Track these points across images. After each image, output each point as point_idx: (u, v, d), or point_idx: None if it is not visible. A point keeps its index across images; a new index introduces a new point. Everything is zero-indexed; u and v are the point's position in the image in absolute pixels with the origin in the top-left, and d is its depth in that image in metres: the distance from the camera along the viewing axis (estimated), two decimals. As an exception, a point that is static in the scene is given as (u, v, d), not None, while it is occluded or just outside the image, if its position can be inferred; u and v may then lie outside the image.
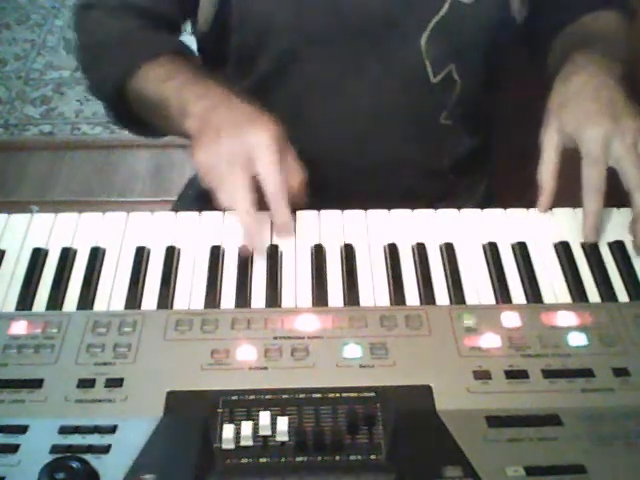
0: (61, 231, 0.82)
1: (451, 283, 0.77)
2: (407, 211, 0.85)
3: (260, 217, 0.78)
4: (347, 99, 0.96)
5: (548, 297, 0.76)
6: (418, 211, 0.85)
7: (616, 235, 0.82)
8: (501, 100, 1.08)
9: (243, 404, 0.64)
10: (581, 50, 0.89)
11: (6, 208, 0.92)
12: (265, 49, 0.94)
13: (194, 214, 0.84)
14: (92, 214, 0.84)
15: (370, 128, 0.98)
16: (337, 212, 0.85)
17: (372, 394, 0.65)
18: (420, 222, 0.84)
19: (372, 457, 0.61)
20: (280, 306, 0.74)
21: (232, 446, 0.61)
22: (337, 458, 0.60)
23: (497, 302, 0.75)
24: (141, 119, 0.95)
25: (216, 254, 0.79)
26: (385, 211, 0.85)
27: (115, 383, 0.65)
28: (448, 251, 0.80)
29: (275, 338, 0.69)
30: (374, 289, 0.76)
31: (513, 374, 0.66)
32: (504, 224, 0.84)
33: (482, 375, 0.66)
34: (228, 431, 0.61)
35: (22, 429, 0.61)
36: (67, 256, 0.79)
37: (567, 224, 0.83)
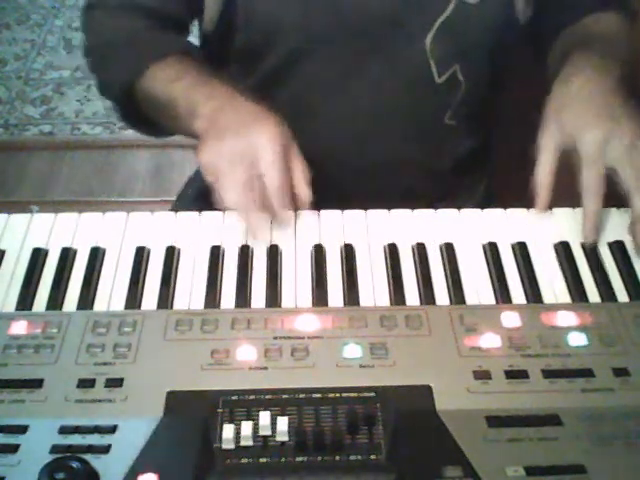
0: (61, 231, 0.82)
1: (451, 283, 0.77)
2: (407, 211, 0.85)
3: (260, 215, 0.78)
4: (349, 99, 0.96)
5: (548, 297, 0.76)
6: (418, 211, 0.85)
7: (616, 235, 0.82)
8: (501, 100, 1.08)
9: (243, 404, 0.64)
10: (580, 52, 0.90)
11: (6, 208, 0.92)
12: (270, 49, 0.94)
13: (194, 214, 0.84)
14: (92, 214, 0.84)
15: (371, 128, 0.98)
16: (337, 212, 0.85)
17: (372, 394, 0.65)
18: (420, 222, 0.84)
19: (372, 457, 0.61)
20: (280, 306, 0.74)
21: (232, 446, 0.61)
22: (337, 458, 0.60)
23: (497, 302, 0.75)
24: (149, 118, 0.95)
25: (216, 254, 0.79)
26: (385, 211, 0.85)
27: (115, 383, 0.65)
28: (448, 251, 0.80)
29: (275, 338, 0.69)
30: (374, 289, 0.76)
31: (513, 374, 0.66)
32: (504, 224, 0.84)
33: (482, 375, 0.66)
34: (228, 431, 0.61)
35: (22, 429, 0.61)
36: (67, 256, 0.79)
37: (567, 224, 0.83)
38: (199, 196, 1.08)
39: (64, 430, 0.61)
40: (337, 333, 0.70)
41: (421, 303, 0.75)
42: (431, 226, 0.83)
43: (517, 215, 0.85)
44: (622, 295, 0.76)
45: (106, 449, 0.60)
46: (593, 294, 0.76)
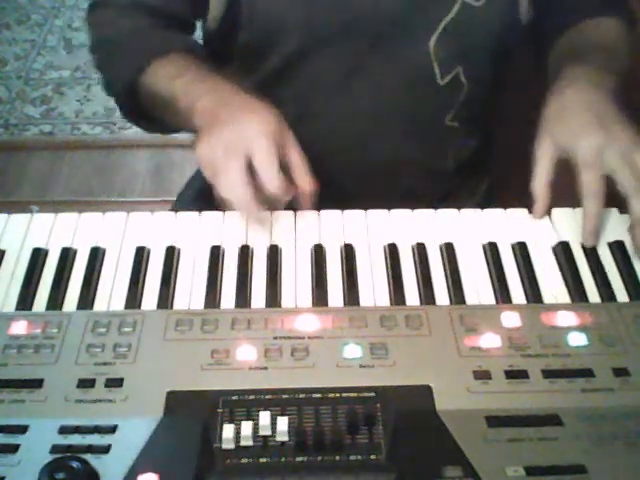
0: (61, 231, 0.82)
1: (451, 283, 0.77)
2: (407, 211, 0.85)
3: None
4: (351, 98, 0.96)
5: (548, 297, 0.76)
6: (418, 211, 0.85)
7: (616, 235, 0.82)
8: (502, 100, 1.08)
9: (243, 404, 0.64)
10: (577, 62, 0.90)
11: (6, 208, 0.92)
12: (273, 48, 0.94)
13: (194, 214, 0.84)
14: (92, 214, 0.84)
15: (372, 128, 0.98)
16: (337, 212, 0.85)
17: (372, 394, 0.65)
18: (420, 222, 0.84)
19: (372, 457, 0.61)
20: (280, 306, 0.74)
21: (232, 446, 0.61)
22: (337, 458, 0.60)
23: (497, 302, 0.75)
24: (151, 115, 0.96)
25: (216, 254, 0.79)
26: (385, 211, 0.85)
27: (115, 383, 0.65)
28: (448, 251, 0.80)
29: (275, 338, 0.69)
30: (374, 289, 0.76)
31: (513, 374, 0.66)
32: (504, 224, 0.84)
33: (482, 375, 0.66)
34: (228, 431, 0.61)
35: (22, 429, 0.61)
36: (67, 256, 0.79)
37: (567, 224, 0.83)
38: (199, 197, 1.08)
39: (64, 430, 0.61)
40: (337, 333, 0.70)
41: (421, 303, 0.75)
42: (431, 226, 0.83)
43: (517, 215, 0.85)
44: (622, 295, 0.76)
45: (106, 449, 0.60)
46: (593, 294, 0.76)
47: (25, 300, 0.75)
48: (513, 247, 0.81)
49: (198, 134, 0.81)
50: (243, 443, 0.61)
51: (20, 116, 2.51)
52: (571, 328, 0.71)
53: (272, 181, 0.75)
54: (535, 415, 0.63)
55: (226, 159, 0.76)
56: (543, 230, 0.83)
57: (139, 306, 0.74)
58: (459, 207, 0.86)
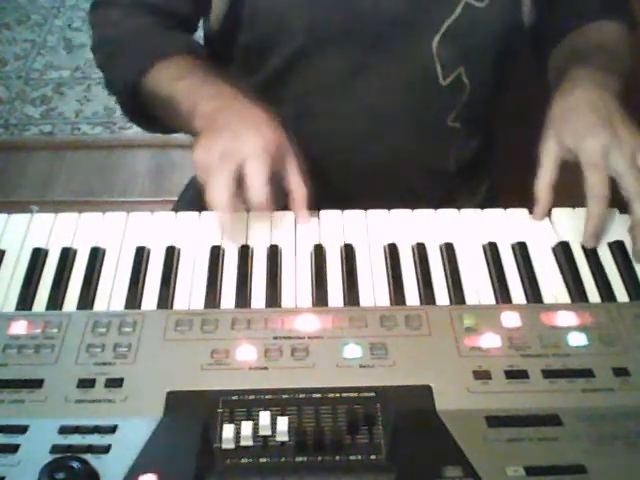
0: (61, 231, 0.82)
1: (451, 283, 0.77)
2: (407, 211, 0.85)
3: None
4: (353, 99, 0.96)
5: (548, 297, 0.76)
6: (418, 211, 0.85)
7: (616, 235, 0.82)
8: (504, 100, 1.08)
9: (243, 404, 0.64)
10: (581, 65, 0.90)
11: (6, 208, 0.92)
12: (275, 48, 0.94)
13: (194, 214, 0.84)
14: (92, 214, 0.84)
15: (374, 128, 0.98)
16: (337, 212, 0.85)
17: (372, 394, 0.65)
18: (420, 222, 0.84)
19: (372, 457, 0.61)
20: (280, 306, 0.74)
21: (232, 446, 0.61)
22: (337, 458, 0.60)
23: (497, 302, 0.75)
24: (152, 115, 0.96)
25: (216, 254, 0.79)
26: (385, 211, 0.85)
27: (115, 383, 0.65)
28: (448, 251, 0.80)
29: (275, 338, 0.69)
30: (374, 289, 0.76)
31: (513, 374, 0.66)
32: (504, 224, 0.84)
33: (482, 375, 0.66)
34: (228, 431, 0.61)
35: (22, 429, 0.61)
36: (67, 256, 0.79)
37: (567, 224, 0.83)
38: (200, 196, 1.07)
39: (64, 430, 0.61)
40: (337, 333, 0.70)
41: (421, 303, 0.75)
42: (431, 226, 0.83)
43: (517, 215, 0.85)
44: (622, 295, 0.76)
45: (106, 449, 0.60)
46: (593, 294, 0.76)
47: (25, 300, 0.75)
48: (513, 247, 0.81)
49: (197, 138, 0.81)
50: (243, 443, 0.61)
51: (20, 116, 2.51)
52: (571, 328, 0.71)
53: (256, 192, 0.75)
54: (535, 415, 0.63)
55: (220, 166, 0.76)
56: (543, 230, 0.83)
57: (139, 306, 0.74)
58: (459, 208, 0.86)
